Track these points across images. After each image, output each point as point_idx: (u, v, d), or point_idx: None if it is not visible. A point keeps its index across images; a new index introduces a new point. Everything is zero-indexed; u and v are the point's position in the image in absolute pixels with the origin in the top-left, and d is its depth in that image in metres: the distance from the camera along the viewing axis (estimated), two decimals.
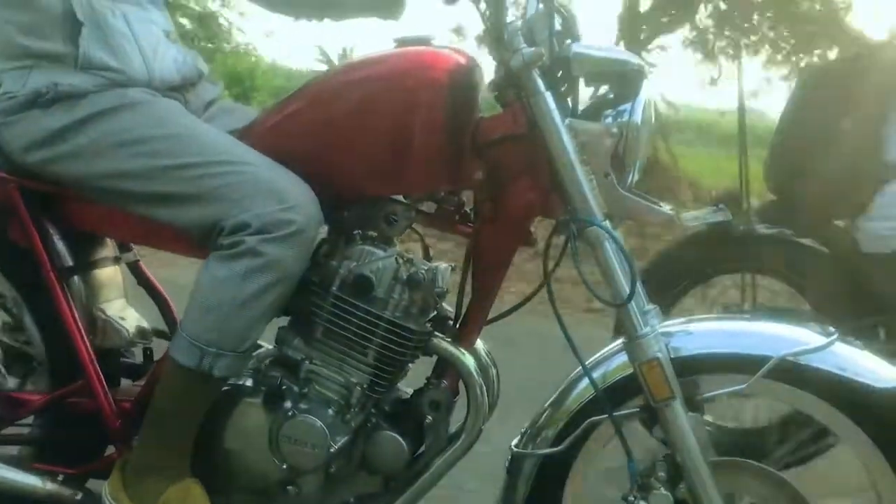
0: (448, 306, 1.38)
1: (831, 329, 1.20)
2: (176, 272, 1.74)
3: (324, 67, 8.73)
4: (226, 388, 1.31)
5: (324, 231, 1.36)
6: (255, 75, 10.44)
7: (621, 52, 1.22)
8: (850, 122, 1.99)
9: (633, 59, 1.21)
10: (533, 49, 1.16)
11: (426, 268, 1.30)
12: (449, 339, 1.31)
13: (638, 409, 1.22)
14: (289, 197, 1.19)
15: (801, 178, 2.04)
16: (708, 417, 2.27)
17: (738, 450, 1.64)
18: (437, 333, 1.31)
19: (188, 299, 1.23)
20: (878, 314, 1.99)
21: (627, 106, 1.19)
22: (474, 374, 1.30)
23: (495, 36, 1.18)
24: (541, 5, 1.19)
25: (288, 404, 1.29)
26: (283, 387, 1.30)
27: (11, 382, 1.50)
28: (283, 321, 1.35)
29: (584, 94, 1.28)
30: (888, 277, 1.95)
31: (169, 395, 1.26)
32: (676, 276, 2.18)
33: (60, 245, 1.40)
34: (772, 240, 2.10)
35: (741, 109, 2.21)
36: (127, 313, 1.50)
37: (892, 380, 1.14)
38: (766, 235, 2.10)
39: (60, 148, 1.24)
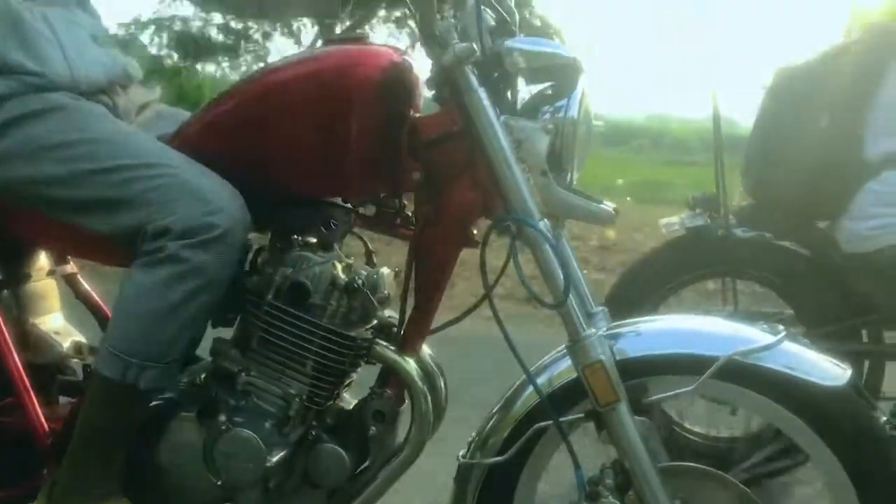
0: (392, 312, 1.34)
1: (780, 328, 1.17)
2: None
3: None
4: (159, 402, 1.26)
5: (266, 237, 1.32)
6: (202, 93, 10.10)
7: (556, 47, 1.19)
8: (826, 121, 1.96)
9: (569, 53, 1.18)
10: (465, 44, 1.12)
11: (366, 273, 1.26)
12: (392, 347, 1.27)
13: (583, 415, 1.18)
14: (212, 200, 1.15)
15: (779, 179, 2.02)
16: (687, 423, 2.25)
17: (705, 457, 1.61)
18: (379, 341, 1.27)
19: (112, 309, 1.19)
20: (861, 315, 1.97)
21: (564, 102, 1.16)
22: (418, 382, 1.26)
23: (427, 33, 1.15)
24: (472, 1, 1.15)
25: (223, 418, 1.24)
26: (219, 400, 1.25)
27: None
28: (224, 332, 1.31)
29: (528, 92, 1.25)
30: (870, 277, 1.92)
31: (95, 411, 1.21)
32: (657, 281, 2.15)
33: None
34: (751, 243, 2.07)
35: (716, 112, 2.16)
36: (62, 328, 1.46)
37: (839, 378, 1.11)
38: (744, 239, 2.07)
39: None
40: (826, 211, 1.99)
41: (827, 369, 1.13)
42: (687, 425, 2.25)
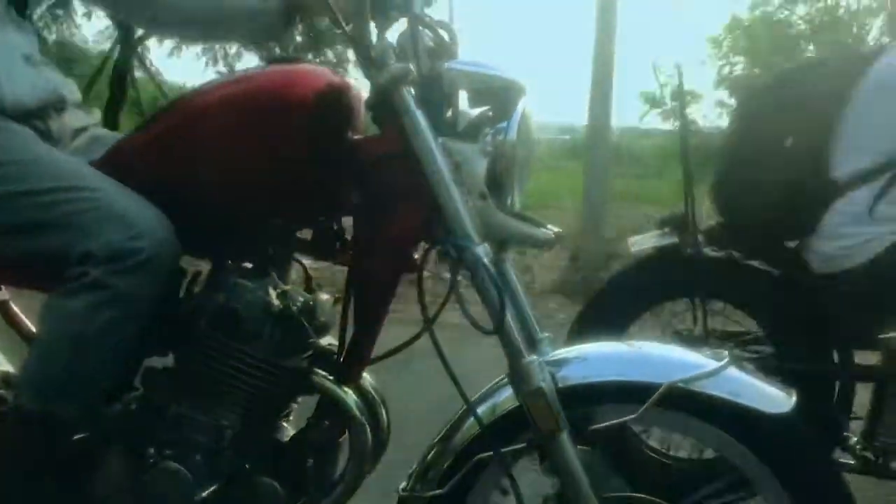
0: (333, 340, 1.29)
1: (724, 353, 1.15)
2: None
3: None
4: (87, 434, 1.20)
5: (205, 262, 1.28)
6: (156, 106, 9.92)
7: (496, 69, 1.17)
8: (794, 140, 1.95)
9: (509, 76, 1.16)
10: (401, 65, 1.10)
11: (303, 300, 1.23)
12: (331, 377, 1.23)
13: (525, 445, 1.14)
14: (137, 224, 1.10)
15: (748, 199, 1.99)
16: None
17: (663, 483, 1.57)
18: (317, 370, 1.23)
19: (33, 339, 1.14)
20: (832, 335, 1.95)
21: (504, 124, 1.14)
22: (357, 413, 1.22)
23: (362, 54, 1.13)
24: (413, 19, 1.13)
25: (152, 450, 1.19)
26: (149, 431, 1.20)
27: None
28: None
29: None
30: (840, 297, 1.90)
31: (13, 446, 1.15)
32: (627, 301, 2.12)
33: None
34: (719, 263, 2.05)
35: (683, 128, 2.15)
36: None
37: (783, 405, 1.09)
38: (713, 258, 2.04)
39: None
40: (795, 231, 1.98)
41: (771, 396, 1.11)
42: (654, 444, 2.21)
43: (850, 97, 1.87)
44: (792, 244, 1.99)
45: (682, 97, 2.61)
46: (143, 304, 1.12)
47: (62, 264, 1.11)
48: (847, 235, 1.86)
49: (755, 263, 2.03)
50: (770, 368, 1.98)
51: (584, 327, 2.12)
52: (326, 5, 1.26)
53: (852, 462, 1.90)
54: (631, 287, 2.15)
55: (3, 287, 1.47)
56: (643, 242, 2.13)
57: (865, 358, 2.03)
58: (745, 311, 2.12)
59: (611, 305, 2.14)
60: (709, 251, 2.03)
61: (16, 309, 1.48)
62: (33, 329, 1.48)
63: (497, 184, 1.14)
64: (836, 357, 2.00)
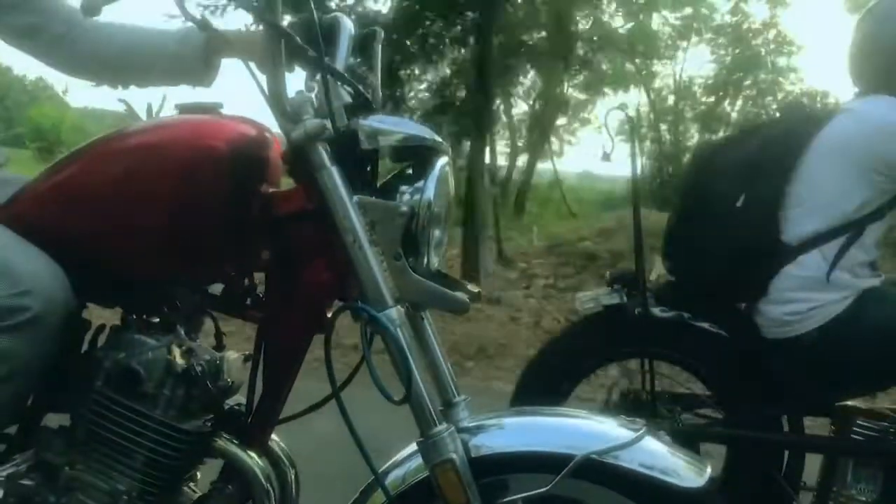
0: (241, 399, 1.24)
1: (639, 423, 1.12)
2: None
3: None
4: None
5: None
6: (60, 128, 9.87)
7: (415, 127, 1.15)
8: (745, 200, 1.90)
9: (428, 134, 1.14)
10: (316, 121, 1.07)
11: (209, 358, 1.18)
12: (235, 441, 1.17)
13: None
14: (24, 280, 1.05)
15: (698, 258, 1.96)
16: None
17: None
18: (222, 433, 1.17)
19: None
20: (781, 402, 1.91)
21: (421, 183, 1.11)
22: (262, 479, 1.16)
23: (278, 108, 1.09)
24: (326, 74, 1.10)
25: None
26: (38, 497, 1.13)
27: None
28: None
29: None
30: (789, 364, 1.87)
31: None
32: (576, 360, 2.07)
33: None
34: (668, 323, 1.99)
35: (634, 181, 2.12)
36: None
37: (697, 478, 1.06)
38: (662, 319, 1.98)
39: None
40: (745, 293, 1.93)
41: (686, 468, 1.08)
42: None
43: (801, 160, 1.86)
44: (742, 306, 1.96)
45: (634, 153, 2.39)
46: (27, 362, 1.06)
47: None
48: (797, 300, 1.83)
49: (705, 325, 1.99)
50: (718, 434, 1.97)
51: (529, 386, 2.07)
52: (244, 54, 1.23)
53: None
54: (578, 346, 2.10)
55: None
56: (591, 300, 2.08)
57: (817, 427, 2.02)
58: (693, 372, 2.09)
59: (555, 366, 2.08)
60: (657, 311, 1.99)
61: None
62: None
63: (414, 244, 1.11)
64: (785, 425, 1.97)
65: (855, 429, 1.84)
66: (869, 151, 1.79)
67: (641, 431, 1.10)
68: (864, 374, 1.86)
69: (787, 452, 1.98)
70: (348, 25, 1.29)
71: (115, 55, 1.41)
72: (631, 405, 2.04)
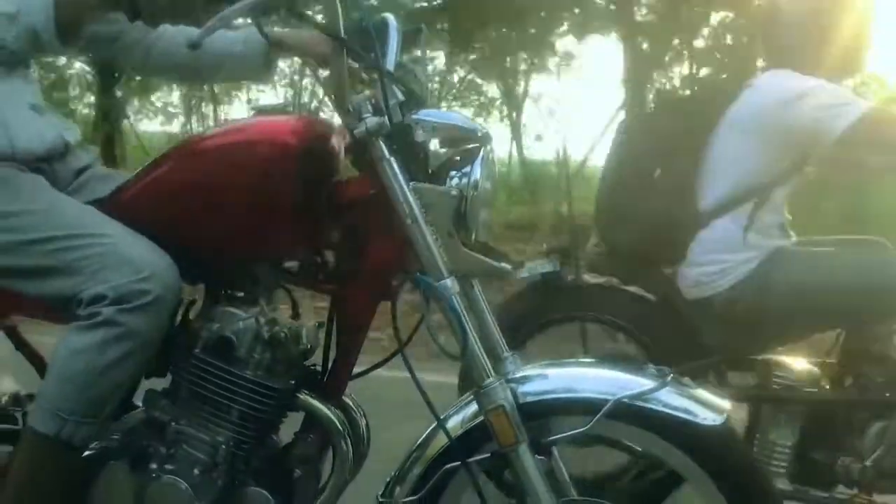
0: (317, 361, 1.43)
1: (666, 371, 1.29)
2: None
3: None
4: (91, 451, 1.32)
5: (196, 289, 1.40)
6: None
7: (461, 119, 1.30)
8: (662, 171, 2.07)
9: (471, 124, 1.30)
10: (375, 118, 1.23)
11: (289, 327, 1.35)
12: (314, 395, 1.36)
13: (489, 456, 1.27)
14: (144, 267, 1.23)
15: (624, 227, 2.12)
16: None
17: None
18: (303, 390, 1.36)
19: (47, 369, 1.26)
20: (706, 357, 2.05)
21: (468, 168, 1.27)
22: (339, 428, 1.35)
23: (341, 107, 1.26)
24: (384, 77, 1.27)
25: (154, 466, 1.31)
26: (150, 448, 1.33)
27: None
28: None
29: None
30: (708, 322, 2.02)
31: (28, 466, 1.27)
32: (516, 326, 2.18)
33: None
34: (599, 288, 2.17)
35: (565, 157, 2.27)
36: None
37: (719, 416, 1.22)
38: (593, 284, 2.17)
39: None
40: (668, 258, 2.10)
41: (708, 408, 1.24)
42: None
43: (713, 133, 2.02)
44: (668, 270, 2.12)
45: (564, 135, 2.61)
46: (149, 338, 1.24)
47: (71, 304, 1.23)
48: (711, 262, 1.99)
49: (632, 288, 2.16)
50: None
51: None
52: (301, 54, 1.40)
53: None
54: (520, 311, 2.24)
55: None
56: (528, 270, 2.22)
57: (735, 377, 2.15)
58: (625, 333, 2.22)
59: (502, 329, 2.24)
60: (589, 277, 2.16)
61: (24, 336, 1.59)
62: (41, 354, 1.60)
63: (463, 222, 1.27)
64: (712, 378, 2.09)
65: (775, 379, 1.99)
66: (769, 120, 1.94)
67: (669, 377, 1.27)
68: (775, 328, 2.02)
69: None
70: (395, 25, 1.44)
71: (185, 57, 1.58)
72: None
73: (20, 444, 1.29)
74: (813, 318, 1.98)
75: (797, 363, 2.03)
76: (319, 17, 1.29)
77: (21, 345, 1.59)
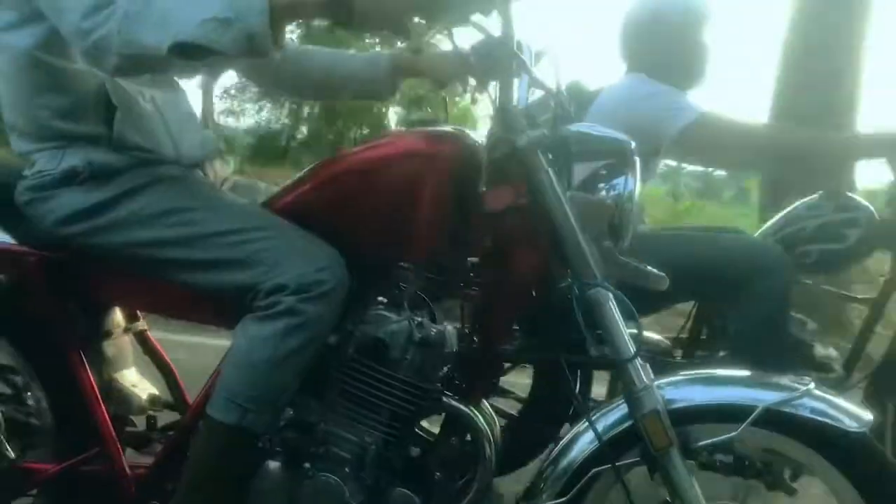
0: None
1: (806, 378, 1.33)
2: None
3: None
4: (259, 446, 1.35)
5: None
6: None
7: (610, 132, 1.36)
8: None
9: (625, 138, 1.35)
10: (537, 131, 1.29)
11: (435, 329, 1.40)
12: (457, 398, 1.40)
13: (639, 458, 1.31)
14: (320, 259, 1.28)
15: None
16: None
17: None
18: (446, 392, 1.40)
19: (226, 359, 1.29)
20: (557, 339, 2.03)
21: (621, 180, 1.32)
22: (484, 429, 1.39)
23: (505, 121, 1.31)
24: (541, 92, 1.32)
25: (307, 464, 1.34)
26: (302, 447, 1.36)
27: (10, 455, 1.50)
28: None
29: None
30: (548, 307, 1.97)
31: (210, 455, 1.29)
32: None
33: (78, 317, 1.44)
34: None
35: None
36: (138, 381, 1.55)
37: (863, 423, 1.26)
38: None
39: (98, 221, 1.30)
40: None
41: (851, 415, 1.28)
42: None
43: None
44: None
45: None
46: (326, 327, 1.29)
47: (247, 296, 1.27)
48: None
49: None
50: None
51: None
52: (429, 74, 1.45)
53: None
54: None
55: (141, 318, 1.63)
56: None
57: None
58: None
59: None
60: None
61: (153, 340, 1.63)
62: (167, 359, 1.64)
63: (615, 231, 1.32)
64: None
65: None
66: (619, 120, 1.89)
67: (811, 385, 1.31)
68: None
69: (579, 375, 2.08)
70: (528, 46, 1.50)
71: (315, 77, 1.64)
72: None
73: (202, 435, 1.32)
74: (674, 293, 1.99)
75: (653, 338, 2.09)
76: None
77: (149, 349, 1.63)
